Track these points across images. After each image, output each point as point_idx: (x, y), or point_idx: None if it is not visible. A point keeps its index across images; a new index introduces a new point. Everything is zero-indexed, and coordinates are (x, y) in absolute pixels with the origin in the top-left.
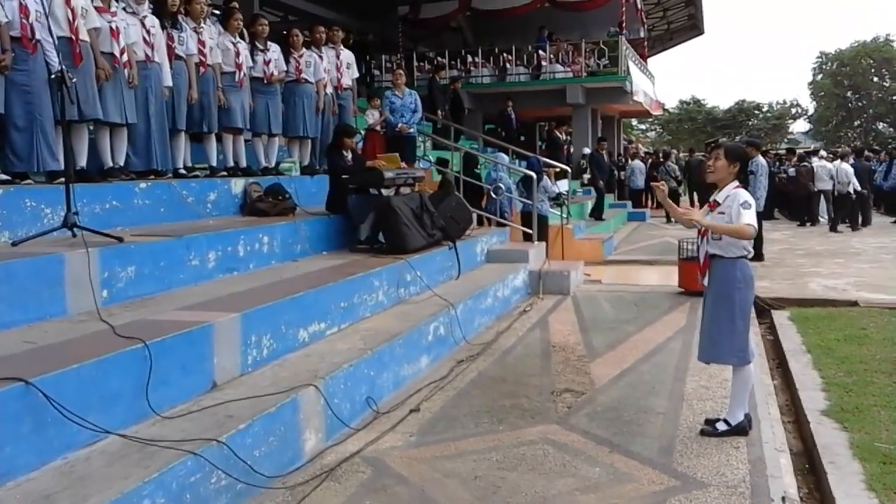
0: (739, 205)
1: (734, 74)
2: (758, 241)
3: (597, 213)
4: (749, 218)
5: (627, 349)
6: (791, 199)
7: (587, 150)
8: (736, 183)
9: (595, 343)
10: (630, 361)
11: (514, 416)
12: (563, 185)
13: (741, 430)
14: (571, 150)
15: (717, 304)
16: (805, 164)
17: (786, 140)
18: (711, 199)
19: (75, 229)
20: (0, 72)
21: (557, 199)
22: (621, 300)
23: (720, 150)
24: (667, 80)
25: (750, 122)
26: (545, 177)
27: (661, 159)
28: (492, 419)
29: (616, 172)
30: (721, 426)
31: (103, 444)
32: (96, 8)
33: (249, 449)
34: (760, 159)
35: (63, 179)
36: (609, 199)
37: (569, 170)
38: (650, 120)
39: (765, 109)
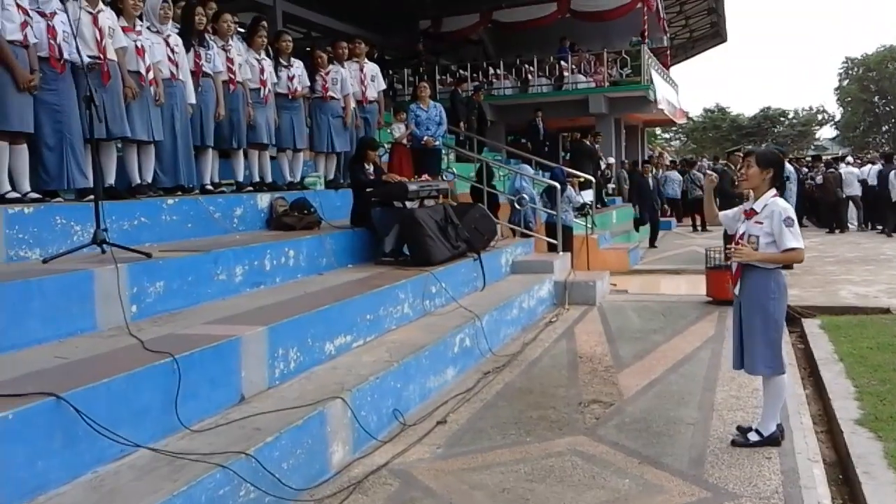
0: (782, 221)
1: (759, 81)
2: None
3: (651, 240)
4: (794, 240)
5: (655, 359)
6: (820, 206)
7: (612, 160)
8: (773, 191)
9: (622, 353)
10: (658, 372)
11: (542, 427)
12: (587, 195)
13: (773, 440)
14: (608, 161)
15: (750, 314)
16: (832, 170)
17: (812, 147)
18: (748, 206)
19: (104, 246)
20: (29, 92)
21: (582, 210)
22: (648, 310)
23: (751, 157)
24: (690, 88)
25: (776, 130)
26: (569, 187)
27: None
28: (519, 431)
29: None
30: (753, 437)
31: (133, 458)
32: (122, 27)
33: (277, 462)
34: (788, 166)
35: (92, 197)
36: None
37: (593, 179)
38: (674, 129)
39: (790, 116)
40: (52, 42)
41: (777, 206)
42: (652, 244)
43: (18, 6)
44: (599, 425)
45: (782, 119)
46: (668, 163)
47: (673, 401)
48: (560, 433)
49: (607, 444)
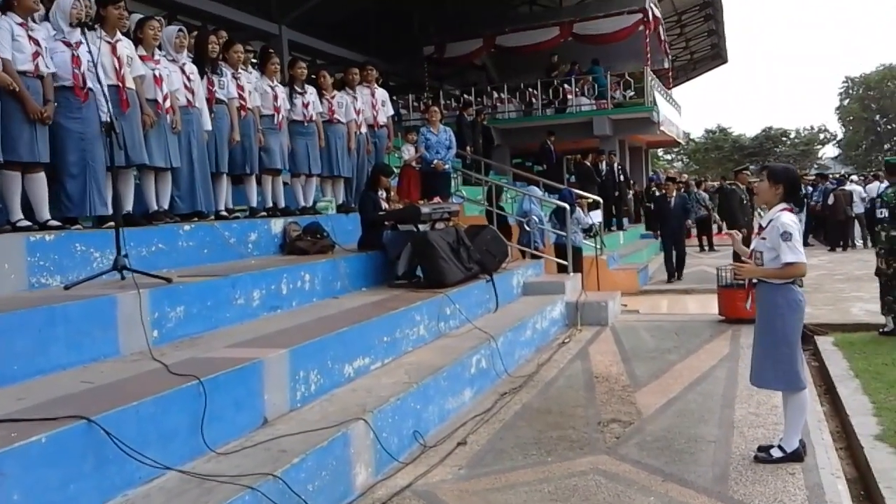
0: (780, 235)
1: (760, 102)
2: None
3: (678, 271)
4: (791, 254)
5: (672, 378)
6: (828, 225)
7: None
8: (782, 206)
9: (638, 373)
10: (676, 390)
11: (563, 447)
12: (595, 216)
13: (797, 456)
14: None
15: (761, 330)
16: (843, 188)
17: (815, 166)
18: (761, 223)
19: (125, 272)
20: (43, 122)
21: (589, 231)
22: (661, 329)
23: (764, 171)
24: (692, 109)
25: (777, 149)
26: (577, 208)
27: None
28: (540, 451)
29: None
30: (776, 453)
31: (162, 481)
32: (141, 56)
33: (303, 483)
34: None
35: (111, 224)
36: (640, 228)
37: (601, 200)
38: (676, 150)
39: (792, 136)
40: (76, 71)
41: (780, 220)
42: (675, 276)
43: (30, 38)
44: (620, 444)
45: (784, 139)
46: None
47: (692, 419)
48: (581, 452)
49: (629, 462)
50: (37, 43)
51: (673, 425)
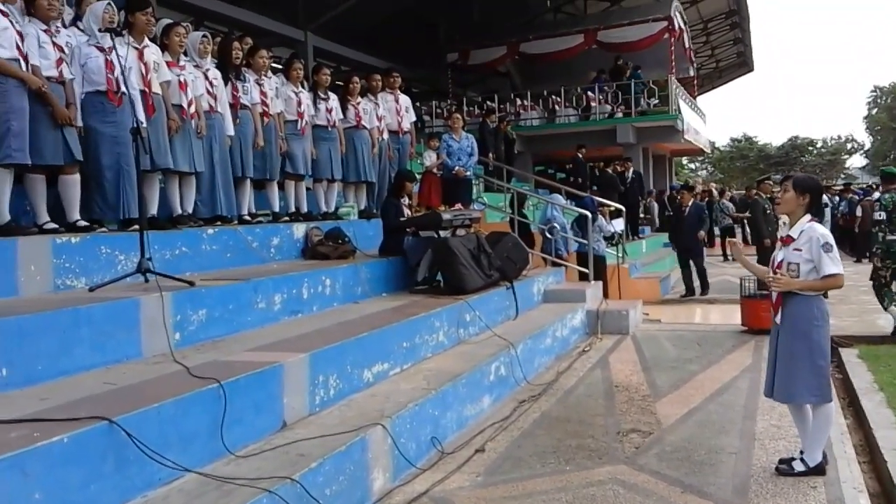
0: (821, 247)
1: (786, 111)
2: None
3: (702, 283)
4: (834, 266)
5: (693, 388)
6: (856, 235)
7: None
8: (808, 216)
9: (659, 382)
10: (697, 401)
11: (581, 456)
12: (618, 224)
13: (819, 469)
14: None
15: (793, 342)
16: (869, 198)
17: (842, 175)
18: (784, 233)
19: (148, 274)
20: (70, 124)
21: (611, 239)
22: (683, 339)
23: (788, 181)
24: (717, 117)
25: (804, 159)
26: (599, 216)
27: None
28: (558, 459)
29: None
30: (798, 466)
31: (181, 482)
32: (167, 62)
33: (321, 487)
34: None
35: (136, 227)
36: (663, 237)
37: (623, 209)
38: (700, 158)
39: (819, 145)
40: (109, 76)
41: (815, 231)
42: (697, 291)
43: (54, 44)
44: (639, 454)
45: (811, 148)
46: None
47: (713, 430)
48: (600, 462)
49: (648, 473)
50: (61, 49)
51: (693, 436)
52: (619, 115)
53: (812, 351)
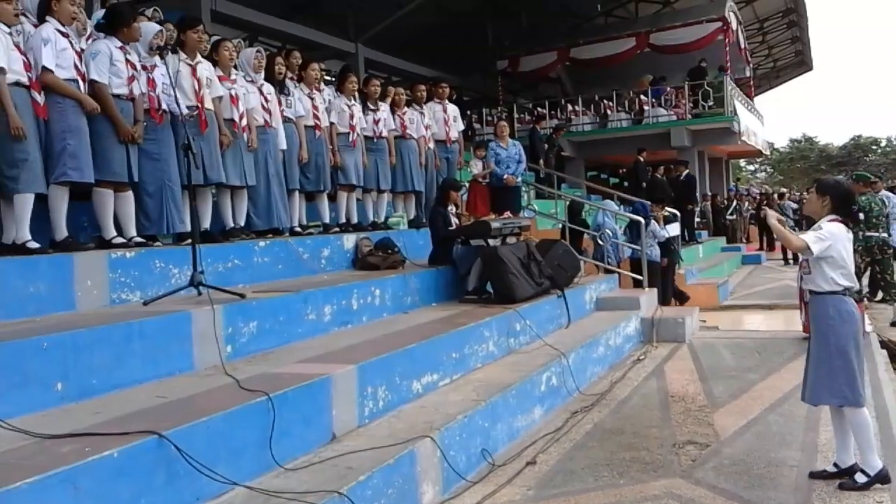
0: (813, 229)
1: (848, 110)
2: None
3: None
4: (807, 236)
5: (752, 398)
6: None
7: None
8: (831, 217)
9: (716, 392)
10: (756, 411)
11: (635, 469)
12: (673, 229)
13: (883, 478)
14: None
15: (814, 343)
16: None
17: None
18: None
19: (201, 287)
20: (133, 141)
21: (667, 244)
22: (741, 347)
23: (815, 184)
24: (776, 118)
25: (867, 158)
26: (653, 221)
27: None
28: (612, 472)
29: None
30: (860, 478)
31: (230, 496)
32: (219, 77)
33: (370, 501)
34: (889, 194)
35: (189, 241)
36: (720, 241)
37: (678, 214)
38: (759, 160)
39: (883, 144)
40: (151, 94)
41: (821, 226)
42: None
43: (127, 61)
44: (696, 467)
45: (874, 147)
46: (755, 194)
47: (773, 442)
48: (655, 475)
49: (705, 487)
50: (133, 67)
51: (752, 448)
52: (689, 117)
53: (829, 351)
